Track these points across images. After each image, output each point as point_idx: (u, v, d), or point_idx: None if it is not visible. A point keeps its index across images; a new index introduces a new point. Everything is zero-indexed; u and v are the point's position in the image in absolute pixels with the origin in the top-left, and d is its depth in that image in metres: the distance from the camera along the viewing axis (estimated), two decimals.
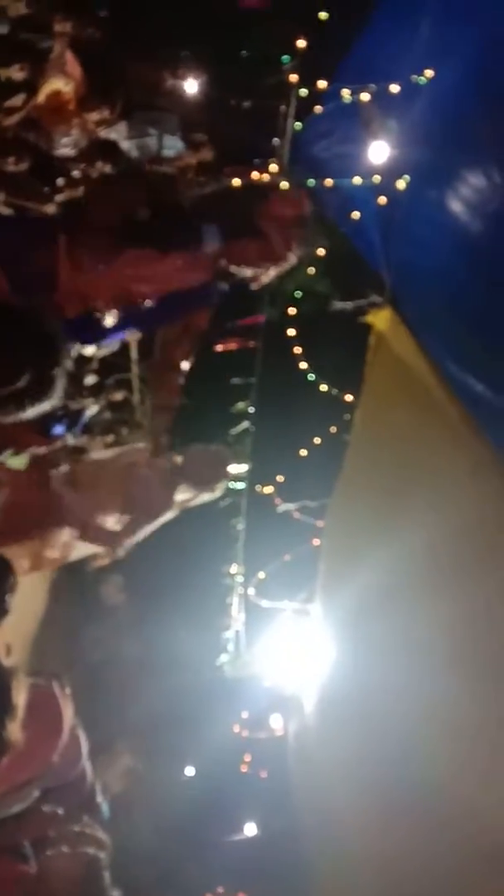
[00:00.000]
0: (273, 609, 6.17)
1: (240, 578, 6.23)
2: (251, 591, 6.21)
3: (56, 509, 3.21)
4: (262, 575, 6.20)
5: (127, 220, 3.71)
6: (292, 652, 5.86)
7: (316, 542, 5.99)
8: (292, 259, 4.14)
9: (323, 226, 5.57)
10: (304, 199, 4.37)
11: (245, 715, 6.46)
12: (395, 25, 4.48)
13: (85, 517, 3.18)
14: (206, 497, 3.68)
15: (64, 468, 3.33)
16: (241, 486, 5.99)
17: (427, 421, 4.95)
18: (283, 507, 6.16)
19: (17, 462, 2.99)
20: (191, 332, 4.69)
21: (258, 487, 6.08)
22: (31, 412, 1.85)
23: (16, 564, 2.93)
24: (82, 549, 3.44)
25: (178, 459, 3.59)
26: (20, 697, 2.49)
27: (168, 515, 3.54)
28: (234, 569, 6.21)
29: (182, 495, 3.51)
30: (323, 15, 4.66)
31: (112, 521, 3.32)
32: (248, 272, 3.99)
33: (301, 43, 4.73)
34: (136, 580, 5.77)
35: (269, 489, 6.10)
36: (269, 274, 4.07)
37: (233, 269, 3.89)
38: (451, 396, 4.83)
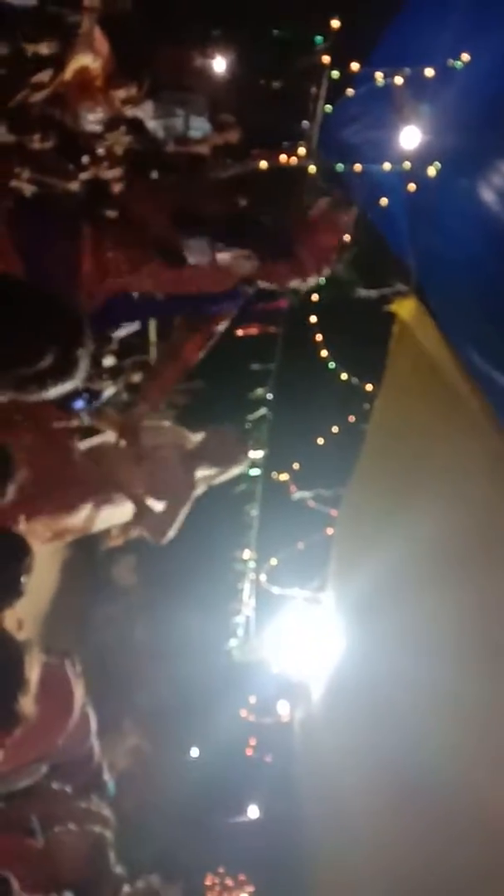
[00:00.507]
0: (284, 596, 6.17)
1: (252, 564, 6.23)
2: (263, 577, 6.21)
3: (79, 479, 3.22)
4: (274, 562, 6.19)
5: (156, 229, 3.70)
6: (301, 639, 5.87)
7: (329, 531, 5.97)
8: (322, 276, 4.09)
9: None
10: (346, 224, 4.28)
11: (252, 700, 6.48)
12: (430, 8, 4.38)
13: (140, 493, 3.22)
14: (231, 472, 3.72)
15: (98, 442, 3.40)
16: (256, 472, 5.97)
17: (448, 413, 4.90)
18: (297, 494, 6.13)
19: None
20: (205, 333, 4.63)
21: (274, 474, 6.06)
22: (54, 392, 1.83)
23: (37, 533, 2.93)
24: (103, 521, 3.45)
25: (195, 440, 3.58)
26: (33, 673, 2.50)
27: (196, 493, 3.58)
28: (246, 554, 6.21)
29: (203, 472, 3.53)
30: None
31: (155, 504, 3.35)
32: (274, 286, 3.96)
33: (335, 23, 4.63)
34: (149, 562, 5.78)
35: (284, 476, 6.07)
36: (296, 286, 4.04)
37: (260, 282, 3.86)
38: (474, 389, 4.77)
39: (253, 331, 5.63)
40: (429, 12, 4.38)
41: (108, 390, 4.95)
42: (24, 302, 1.79)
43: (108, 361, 4.81)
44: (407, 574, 4.59)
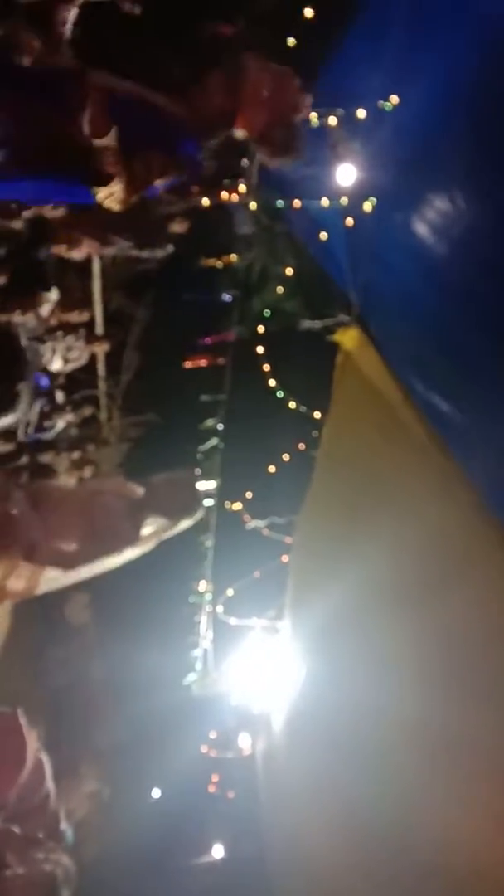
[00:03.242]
0: (241, 627, 6.13)
1: (208, 596, 6.19)
2: (219, 608, 6.17)
3: (13, 528, 3.07)
4: (230, 592, 6.16)
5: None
6: (260, 670, 5.83)
7: (285, 558, 5.98)
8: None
9: (291, 245, 5.62)
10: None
11: (213, 734, 6.38)
12: (362, 53, 4.55)
13: (39, 536, 3.03)
14: (181, 525, 3.47)
15: (24, 487, 3.23)
16: (209, 502, 5.96)
17: (394, 438, 4.98)
18: (252, 523, 6.14)
19: None
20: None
21: (227, 504, 6.07)
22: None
23: None
24: (52, 581, 3.27)
25: (143, 489, 3.40)
26: None
27: (135, 550, 3.34)
28: (202, 586, 6.17)
29: (151, 527, 3.32)
30: (292, 41, 4.72)
31: (69, 546, 3.15)
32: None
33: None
34: (102, 598, 5.69)
35: (237, 506, 6.09)
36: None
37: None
38: (418, 414, 4.87)
39: (202, 362, 5.69)
40: (361, 56, 4.55)
41: (58, 425, 4.91)
42: None
43: (57, 396, 4.78)
44: (363, 599, 4.61)
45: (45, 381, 4.51)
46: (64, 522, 3.16)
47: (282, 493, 5.95)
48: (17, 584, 3.02)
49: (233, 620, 6.15)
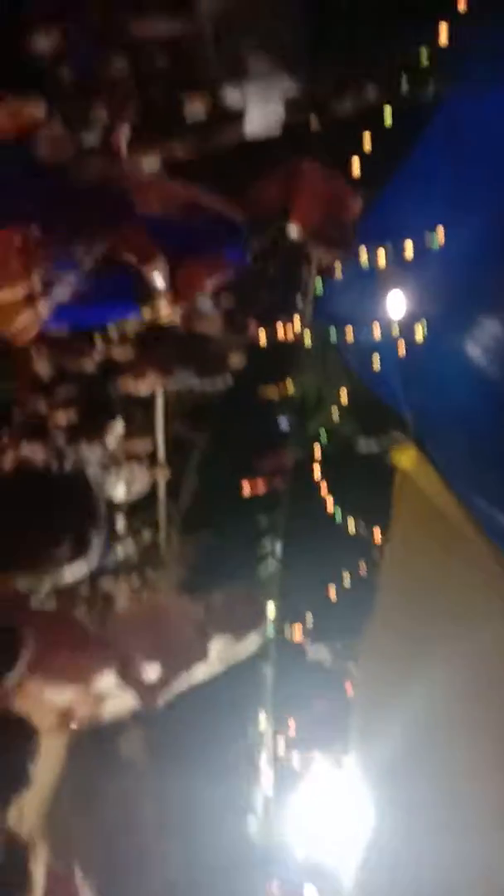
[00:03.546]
0: (304, 765, 5.77)
1: (268, 729, 5.89)
2: (280, 744, 5.85)
3: (90, 648, 3.03)
4: (291, 726, 5.86)
5: None
6: (326, 815, 5.41)
7: (349, 688, 5.71)
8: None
9: (345, 371, 5.81)
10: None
11: (275, 887, 5.86)
12: (411, 189, 4.85)
13: (123, 655, 2.96)
14: (246, 649, 3.32)
15: (92, 613, 3.23)
16: (269, 629, 5.82)
17: (457, 560, 4.86)
18: (312, 650, 5.94)
19: None
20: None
21: (287, 630, 5.91)
22: (69, 575, 1.88)
23: (41, 720, 2.76)
24: (114, 706, 3.18)
25: (208, 605, 3.36)
26: (39, 873, 2.30)
27: (205, 669, 3.22)
28: (261, 720, 5.90)
29: (218, 646, 3.22)
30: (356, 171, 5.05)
31: (148, 668, 3.09)
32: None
33: None
34: (157, 733, 5.48)
35: (298, 632, 5.92)
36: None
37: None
38: (481, 533, 4.77)
39: (260, 486, 5.76)
40: (409, 192, 4.86)
41: (119, 552, 4.98)
42: (40, 488, 1.86)
43: (119, 524, 4.88)
44: (432, 732, 4.33)
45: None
46: (134, 641, 3.08)
47: (343, 618, 5.78)
48: (83, 709, 2.95)
49: (294, 758, 5.81)
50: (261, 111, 4.56)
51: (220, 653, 3.19)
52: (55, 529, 1.82)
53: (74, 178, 3.08)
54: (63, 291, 3.01)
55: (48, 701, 2.89)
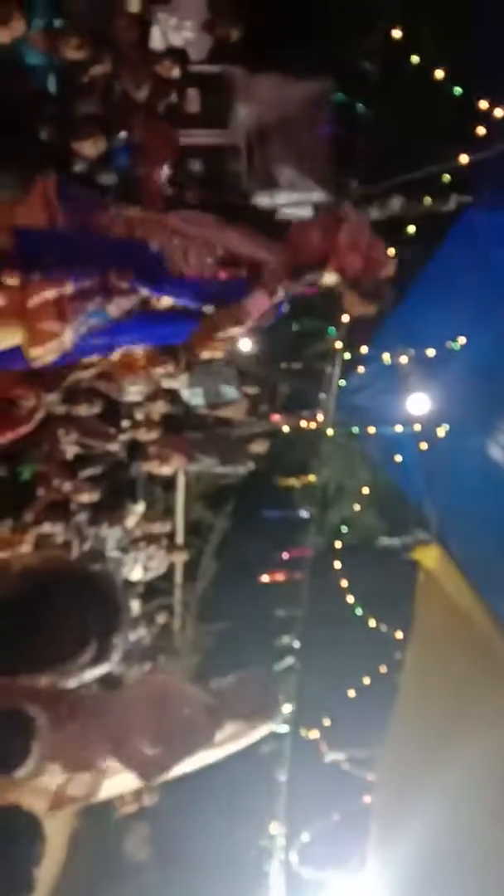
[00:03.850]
0: (318, 879, 5.34)
1: (281, 841, 5.51)
2: (293, 856, 5.44)
3: (90, 733, 2.92)
4: (305, 837, 5.47)
5: None
6: None
7: (367, 798, 5.37)
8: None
9: (367, 464, 5.86)
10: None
11: None
12: (432, 294, 5.07)
13: (118, 735, 2.84)
14: (260, 730, 3.16)
15: (94, 692, 3.11)
16: (284, 729, 5.58)
17: (480, 663, 4.68)
18: (330, 756, 5.64)
19: None
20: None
21: (303, 731, 5.64)
22: (89, 678, 1.87)
23: (34, 803, 2.61)
24: (109, 788, 3.04)
25: (218, 687, 3.25)
26: None
27: (210, 755, 3.07)
28: (274, 828, 5.53)
29: (227, 731, 3.06)
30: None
31: (146, 746, 2.94)
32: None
33: (345, 318, 5.38)
34: (164, 833, 5.17)
35: (314, 734, 5.65)
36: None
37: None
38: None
39: (279, 577, 5.69)
40: (431, 298, 5.07)
41: (132, 637, 4.90)
42: (67, 586, 1.87)
43: (135, 606, 4.84)
44: (457, 846, 4.03)
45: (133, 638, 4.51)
46: (135, 722, 2.96)
47: (362, 721, 5.51)
48: (77, 789, 2.80)
49: (308, 872, 5.38)
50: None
51: (228, 736, 3.05)
52: (81, 633, 1.83)
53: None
54: (89, 330, 3.17)
55: (41, 782, 2.76)
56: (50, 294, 3.03)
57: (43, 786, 2.89)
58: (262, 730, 3.25)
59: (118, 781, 3.02)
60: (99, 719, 3.07)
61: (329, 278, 3.43)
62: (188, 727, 3.06)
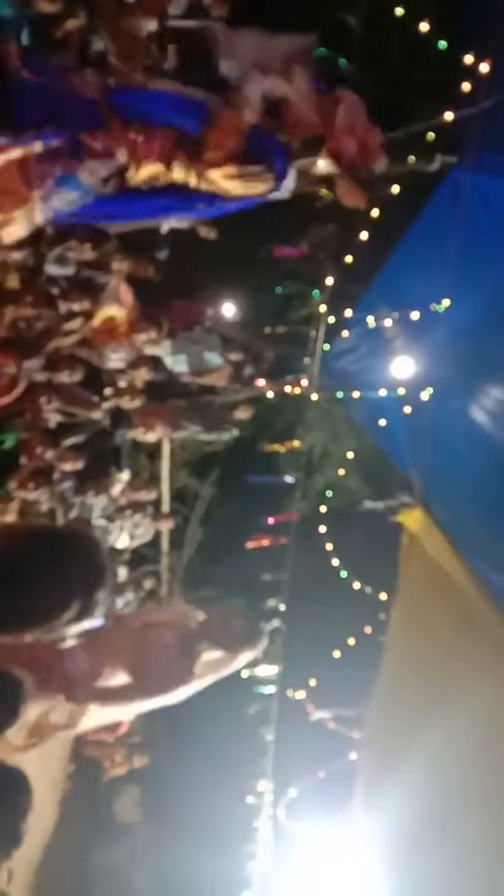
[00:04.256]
0: (305, 834, 5.49)
1: (268, 797, 5.64)
2: (281, 812, 5.59)
3: (53, 662, 2.88)
4: (293, 793, 5.61)
5: None
6: (327, 888, 5.11)
7: (353, 756, 5.50)
8: None
9: (351, 429, 5.86)
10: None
11: None
12: (416, 256, 5.00)
13: (79, 672, 2.82)
14: (241, 659, 3.15)
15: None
16: (271, 690, 5.66)
17: (464, 624, 4.76)
18: (316, 715, 5.75)
19: None
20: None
21: (289, 692, 5.73)
22: (74, 632, 1.88)
23: (8, 740, 2.61)
24: (95, 717, 3.00)
25: (200, 618, 3.19)
26: None
27: (193, 685, 3.07)
28: (262, 786, 5.66)
29: (208, 659, 3.04)
30: (349, 259, 5.26)
31: (114, 682, 2.92)
32: None
33: (329, 281, 5.31)
34: (154, 794, 5.27)
35: (300, 694, 5.74)
36: None
37: None
38: (488, 599, 4.69)
39: (263, 542, 5.71)
40: (415, 260, 5.01)
41: (119, 603, 4.92)
42: (50, 546, 1.86)
43: (122, 573, 4.85)
44: (443, 804, 4.14)
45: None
46: (111, 658, 2.94)
47: (348, 680, 5.61)
48: (59, 717, 2.79)
49: (295, 827, 5.53)
50: None
51: (210, 666, 3.02)
52: (64, 591, 1.83)
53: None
54: (62, 203, 3.11)
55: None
56: (15, 153, 2.93)
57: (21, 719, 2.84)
58: (244, 658, 3.23)
59: (99, 714, 3.00)
60: (82, 650, 3.02)
61: (323, 165, 3.37)
62: (165, 668, 3.03)
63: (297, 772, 5.67)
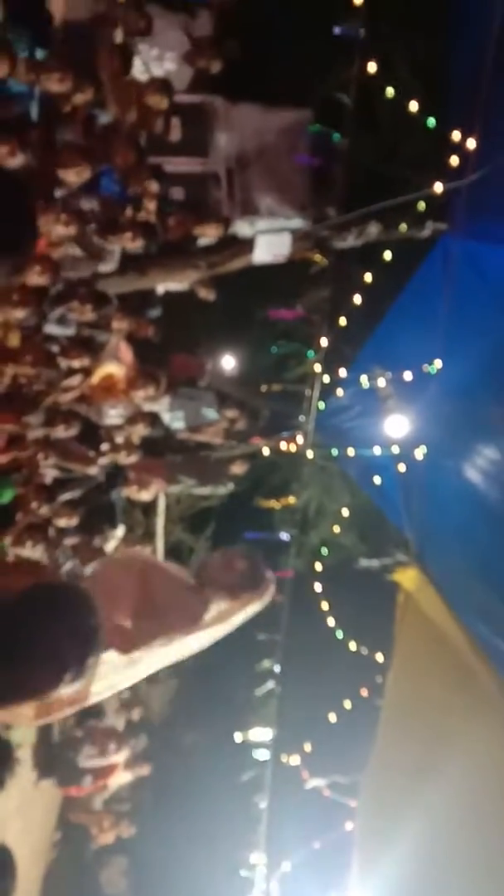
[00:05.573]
0: None
1: (262, 870, 5.41)
2: (274, 886, 5.34)
3: None
4: (286, 866, 5.38)
5: None
6: None
7: (349, 825, 5.30)
8: None
9: (346, 485, 5.88)
10: None
11: None
12: (409, 320, 5.13)
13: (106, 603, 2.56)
14: (250, 608, 2.90)
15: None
16: (265, 755, 5.51)
17: (460, 685, 4.67)
18: (311, 782, 5.57)
19: None
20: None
21: (284, 757, 5.57)
22: (65, 691, 1.89)
23: (19, 714, 2.47)
24: (99, 691, 2.76)
25: (201, 563, 2.97)
26: None
27: (200, 637, 2.81)
28: (255, 858, 5.43)
29: (214, 610, 2.79)
30: (343, 321, 5.41)
31: (125, 618, 2.68)
32: None
33: (324, 342, 5.45)
34: (142, 866, 5.05)
35: (295, 759, 5.58)
36: None
37: None
38: (483, 659, 4.62)
39: None
40: (407, 323, 5.13)
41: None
42: (46, 611, 1.88)
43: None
44: (442, 871, 3.99)
45: None
46: (116, 594, 2.70)
47: (344, 745, 5.47)
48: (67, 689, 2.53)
49: None
50: (268, 243, 4.98)
51: (217, 615, 2.79)
52: (57, 666, 1.84)
53: None
54: None
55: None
56: None
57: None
58: (251, 608, 2.98)
59: (107, 683, 2.78)
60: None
61: None
62: (172, 602, 2.83)
63: (291, 842, 5.46)
